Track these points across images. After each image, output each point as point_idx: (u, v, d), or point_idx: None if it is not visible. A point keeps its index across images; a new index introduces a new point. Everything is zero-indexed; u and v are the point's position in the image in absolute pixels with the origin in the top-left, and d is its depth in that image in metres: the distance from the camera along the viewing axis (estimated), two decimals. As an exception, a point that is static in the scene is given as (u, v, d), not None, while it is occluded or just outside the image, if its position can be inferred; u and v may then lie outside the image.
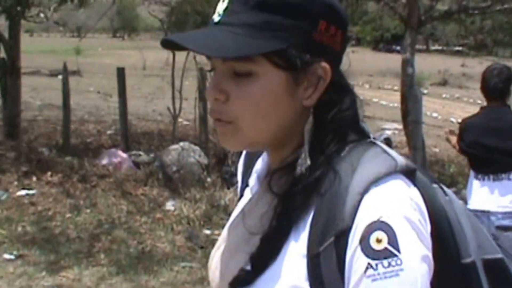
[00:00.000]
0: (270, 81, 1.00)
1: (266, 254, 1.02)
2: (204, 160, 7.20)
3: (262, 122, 1.02)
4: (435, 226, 0.99)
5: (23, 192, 6.65)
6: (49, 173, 7.18)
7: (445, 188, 1.10)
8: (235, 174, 5.15)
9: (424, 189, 1.01)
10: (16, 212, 6.09)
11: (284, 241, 1.00)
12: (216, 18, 1.03)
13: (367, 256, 0.92)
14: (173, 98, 8.26)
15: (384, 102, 18.80)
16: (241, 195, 1.24)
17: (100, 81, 17.10)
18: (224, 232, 1.15)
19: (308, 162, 1.00)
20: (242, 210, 1.12)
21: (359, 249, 0.92)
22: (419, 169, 1.04)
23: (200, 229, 5.90)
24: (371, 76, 25.65)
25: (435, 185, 1.06)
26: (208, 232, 5.87)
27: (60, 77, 10.00)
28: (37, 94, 14.37)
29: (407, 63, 7.75)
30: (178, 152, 7.06)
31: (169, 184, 6.89)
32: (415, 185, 1.00)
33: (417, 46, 38.26)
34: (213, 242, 3.56)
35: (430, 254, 0.96)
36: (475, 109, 15.28)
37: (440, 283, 0.99)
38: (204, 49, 0.99)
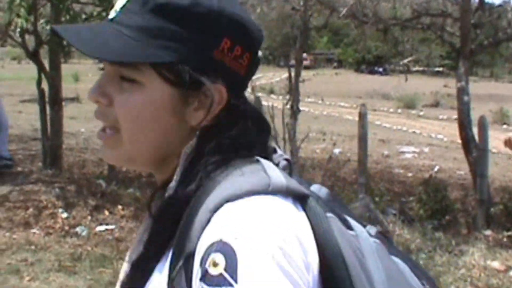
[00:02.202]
0: (154, 94, 0.91)
1: (137, 276, 0.93)
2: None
3: (140, 136, 0.94)
4: (325, 264, 0.84)
5: (102, 227, 6.59)
6: (119, 207, 7.12)
7: (354, 223, 0.94)
8: None
9: (315, 218, 0.86)
10: (107, 248, 6.02)
11: (150, 267, 0.91)
12: (112, 14, 0.95)
13: (202, 280, 0.79)
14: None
15: (387, 125, 19.05)
16: None
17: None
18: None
19: (174, 184, 0.92)
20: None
21: (199, 272, 0.80)
22: (315, 196, 0.91)
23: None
24: (360, 98, 25.97)
25: (331, 215, 0.89)
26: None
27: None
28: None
29: (462, 92, 7.96)
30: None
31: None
32: (304, 211, 0.87)
33: (399, 68, 38.73)
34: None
35: None
36: (476, 130, 15.47)
37: None
38: (84, 48, 0.91)
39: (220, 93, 0.92)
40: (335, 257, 0.84)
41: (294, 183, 0.87)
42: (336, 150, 11.73)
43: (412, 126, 18.71)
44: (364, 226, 0.96)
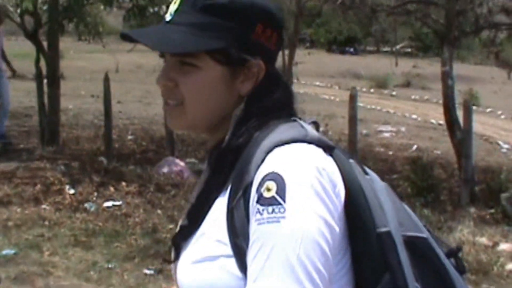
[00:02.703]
0: (211, 74, 1.16)
1: (197, 209, 1.17)
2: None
3: (203, 107, 1.18)
4: (350, 196, 1.09)
5: (109, 203, 6.84)
6: (123, 183, 7.37)
7: (367, 169, 1.20)
8: None
9: (341, 163, 1.11)
10: (117, 224, 6.28)
11: (213, 197, 1.15)
12: (168, 17, 1.19)
13: (258, 202, 1.03)
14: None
15: (361, 104, 19.41)
16: None
17: (86, 85, 17.03)
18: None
19: (228, 137, 1.16)
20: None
21: (255, 196, 1.04)
22: (338, 148, 1.16)
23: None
24: (333, 77, 26.37)
25: (352, 161, 1.15)
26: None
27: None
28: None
29: (447, 76, 8.35)
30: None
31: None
32: (332, 157, 1.11)
33: (369, 48, 39.25)
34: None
35: (330, 218, 1.03)
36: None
37: (357, 250, 1.10)
38: (156, 45, 1.17)
39: (260, 65, 1.18)
40: (357, 190, 1.10)
41: (324, 138, 1.14)
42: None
43: (386, 105, 19.14)
44: None
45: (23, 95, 12.34)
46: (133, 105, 14.59)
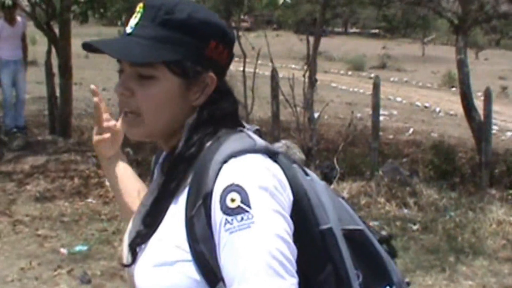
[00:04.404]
0: (168, 85, 1.23)
1: (153, 215, 1.24)
2: (302, 156, 7.73)
3: (160, 117, 1.25)
4: (295, 198, 1.19)
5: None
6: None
7: (308, 171, 1.32)
8: (334, 168, 6.04)
9: (286, 168, 1.22)
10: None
11: (167, 203, 1.23)
12: (128, 30, 1.27)
13: (224, 213, 1.11)
14: (245, 96, 8.66)
15: (343, 87, 19.72)
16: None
17: (92, 73, 16.74)
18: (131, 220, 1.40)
19: (182, 146, 1.24)
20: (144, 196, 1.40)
21: (218, 208, 1.12)
22: (282, 153, 1.26)
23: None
24: (304, 59, 26.52)
25: (295, 165, 1.27)
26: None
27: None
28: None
29: (462, 64, 8.60)
30: (284, 150, 7.55)
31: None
32: (277, 163, 1.21)
33: (336, 29, 39.40)
34: None
35: (285, 212, 1.15)
36: (428, 92, 16.60)
37: (302, 247, 1.16)
38: (117, 54, 1.23)
39: (212, 79, 1.26)
40: (301, 192, 1.21)
41: (269, 145, 1.24)
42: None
43: (367, 88, 19.38)
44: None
45: (32, 85, 12.11)
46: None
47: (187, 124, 1.25)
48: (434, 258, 5.58)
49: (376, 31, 36.33)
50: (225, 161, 1.16)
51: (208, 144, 1.23)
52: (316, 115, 8.87)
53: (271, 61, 8.65)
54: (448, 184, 7.73)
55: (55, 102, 9.39)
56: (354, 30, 36.84)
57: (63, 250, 5.33)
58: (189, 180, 1.20)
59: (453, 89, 20.37)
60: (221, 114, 1.27)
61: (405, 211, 6.84)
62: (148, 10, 1.25)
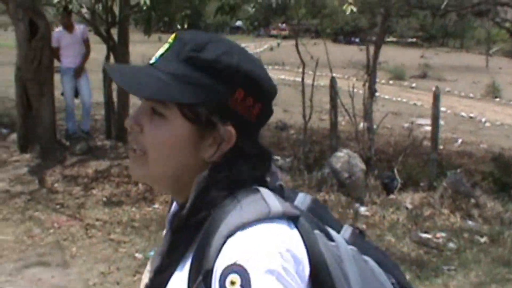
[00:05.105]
0: (177, 129, 1.09)
1: (155, 284, 1.13)
2: (363, 166, 7.73)
3: (164, 161, 1.10)
4: (313, 271, 1.04)
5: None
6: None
7: (334, 234, 1.14)
8: (395, 178, 5.92)
9: (305, 235, 1.06)
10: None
11: (170, 272, 1.10)
12: (152, 59, 1.14)
13: None
14: (304, 105, 8.70)
15: (386, 96, 19.62)
16: None
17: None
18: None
19: (188, 209, 1.09)
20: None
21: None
22: (305, 215, 1.10)
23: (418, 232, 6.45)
24: (345, 68, 26.47)
25: (317, 231, 1.10)
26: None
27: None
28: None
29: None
30: (346, 159, 7.55)
31: (342, 190, 7.37)
32: (297, 228, 1.05)
33: (374, 38, 39.25)
34: None
35: None
36: (471, 102, 16.40)
37: None
38: (125, 84, 1.09)
39: (230, 134, 1.09)
40: (320, 265, 1.05)
41: (287, 207, 1.06)
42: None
43: (410, 98, 19.33)
44: (341, 227, 1.21)
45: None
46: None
47: (197, 181, 1.10)
48: (507, 271, 5.54)
49: (414, 40, 36.20)
50: (230, 235, 1.01)
51: (215, 208, 1.07)
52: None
53: (331, 71, 8.68)
54: (510, 197, 7.67)
55: (112, 107, 9.54)
56: (391, 39, 36.69)
57: (139, 255, 5.39)
58: (194, 247, 1.06)
59: (497, 99, 20.21)
60: (237, 178, 1.10)
61: (470, 223, 6.80)
62: (177, 43, 1.12)
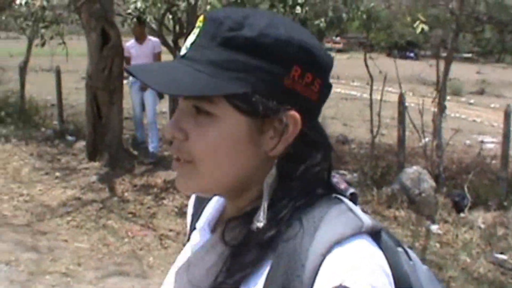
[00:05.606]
0: (230, 125, 0.92)
1: None
2: (433, 183, 7.61)
3: (220, 167, 0.94)
4: None
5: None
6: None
7: (410, 252, 1.04)
8: (465, 197, 5.68)
9: (388, 252, 0.94)
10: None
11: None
12: (183, 51, 0.96)
13: None
14: (372, 120, 8.65)
15: (446, 112, 19.33)
16: (188, 239, 1.15)
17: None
18: (170, 277, 1.07)
19: (264, 221, 0.91)
20: (188, 258, 1.02)
21: None
22: (384, 230, 0.97)
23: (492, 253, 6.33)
24: (400, 83, 26.26)
25: (399, 249, 1.00)
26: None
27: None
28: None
29: None
30: (415, 175, 7.46)
31: (412, 207, 7.27)
32: (380, 247, 0.92)
33: (428, 53, 38.68)
34: None
35: None
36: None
37: None
38: (160, 86, 0.91)
39: (294, 119, 0.93)
40: (403, 282, 0.95)
41: (374, 221, 0.93)
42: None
43: (469, 114, 19.04)
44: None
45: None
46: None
47: (266, 185, 0.93)
48: None
49: (469, 55, 35.67)
50: (327, 252, 0.86)
51: (296, 220, 0.91)
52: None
53: (400, 86, 8.61)
54: None
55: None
56: (445, 54, 36.21)
57: (215, 267, 5.40)
58: (266, 266, 0.90)
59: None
60: (310, 173, 0.95)
61: (545, 245, 6.63)
62: (209, 25, 0.93)
